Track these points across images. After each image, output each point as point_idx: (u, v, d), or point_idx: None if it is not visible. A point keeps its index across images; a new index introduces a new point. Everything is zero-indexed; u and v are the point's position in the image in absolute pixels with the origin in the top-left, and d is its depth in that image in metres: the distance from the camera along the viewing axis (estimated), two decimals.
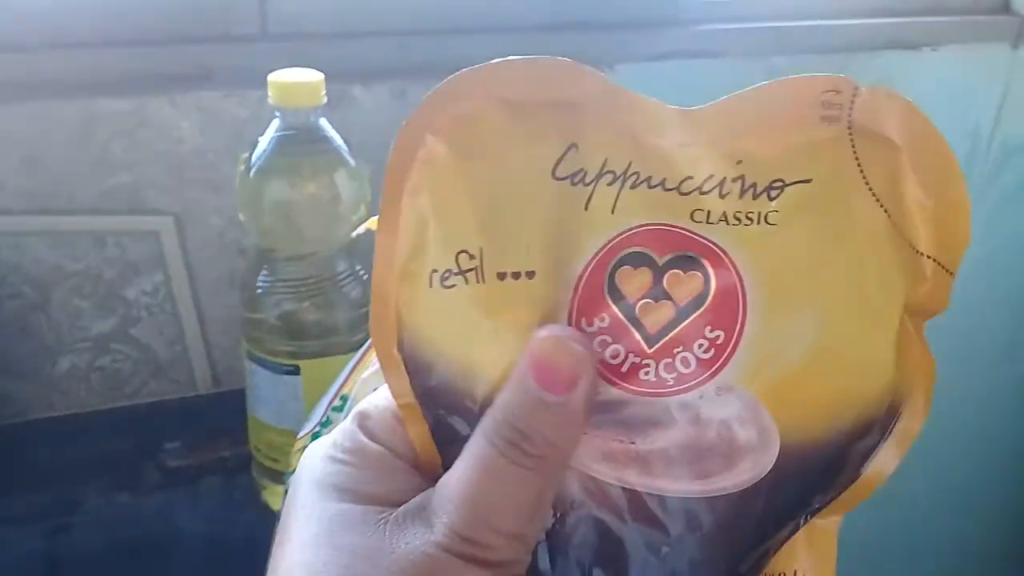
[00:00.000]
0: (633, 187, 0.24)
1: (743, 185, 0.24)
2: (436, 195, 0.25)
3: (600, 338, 0.24)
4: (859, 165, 0.24)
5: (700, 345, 0.24)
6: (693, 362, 0.24)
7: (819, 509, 0.25)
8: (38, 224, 0.66)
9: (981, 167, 0.96)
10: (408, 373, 0.25)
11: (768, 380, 0.24)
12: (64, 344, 0.71)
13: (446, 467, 0.25)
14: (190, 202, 0.69)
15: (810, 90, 0.24)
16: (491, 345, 0.25)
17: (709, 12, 0.83)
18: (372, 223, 0.45)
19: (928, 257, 0.24)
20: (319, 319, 0.59)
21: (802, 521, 0.25)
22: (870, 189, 0.24)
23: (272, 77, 0.55)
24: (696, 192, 0.24)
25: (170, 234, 0.69)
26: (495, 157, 0.25)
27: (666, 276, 0.24)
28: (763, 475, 0.24)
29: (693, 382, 0.24)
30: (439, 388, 0.25)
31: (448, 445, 0.25)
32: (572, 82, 0.25)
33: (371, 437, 0.26)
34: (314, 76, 0.56)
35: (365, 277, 0.60)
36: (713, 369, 0.24)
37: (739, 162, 0.24)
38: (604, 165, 0.25)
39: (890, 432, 0.25)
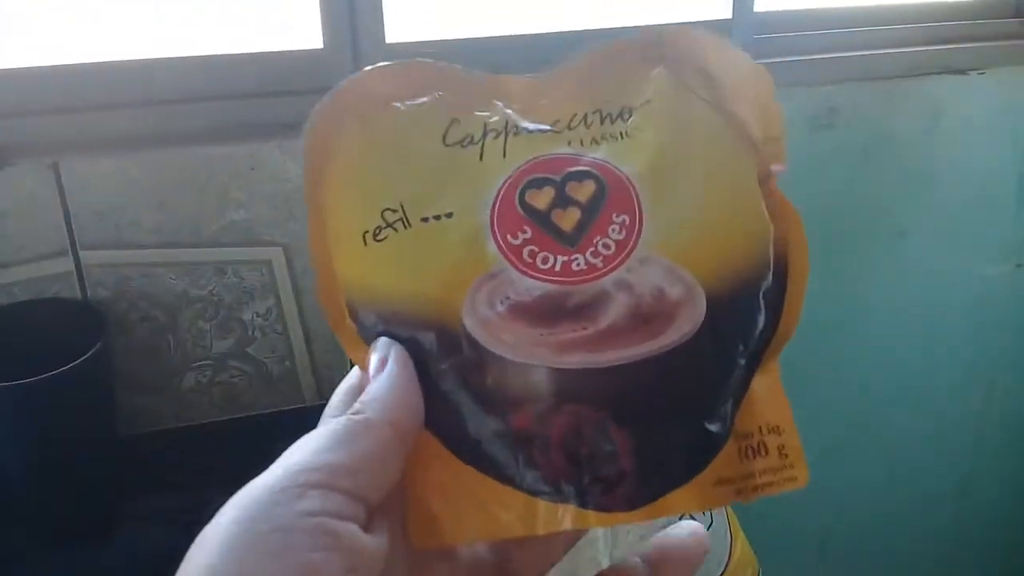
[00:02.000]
0: (515, 135, 0.29)
1: (601, 116, 0.30)
2: (352, 174, 0.29)
3: (528, 248, 0.27)
4: (685, 82, 0.30)
5: (613, 229, 0.27)
6: (612, 245, 0.27)
7: (756, 360, 0.28)
8: (167, 256, 0.75)
9: None
10: (361, 332, 0.28)
11: (675, 244, 0.27)
12: (189, 362, 0.79)
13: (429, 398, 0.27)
14: (296, 234, 0.77)
15: (630, 45, 0.31)
16: (431, 275, 0.27)
17: (766, 46, 0.88)
18: None
19: (759, 137, 0.29)
20: None
21: (748, 372, 0.27)
22: (697, 95, 0.30)
23: None
24: (566, 129, 0.29)
25: (280, 263, 0.77)
26: (394, 137, 0.29)
27: (566, 186, 0.28)
28: (700, 324, 0.26)
29: (618, 260, 0.27)
30: (395, 330, 0.27)
31: (423, 374, 0.27)
32: (438, 77, 0.30)
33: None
34: None
35: None
36: (630, 245, 0.27)
37: (593, 101, 0.30)
38: (485, 128, 0.29)
39: (786, 280, 0.28)
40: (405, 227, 0.28)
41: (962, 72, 0.89)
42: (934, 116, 0.91)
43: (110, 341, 0.72)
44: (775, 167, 0.29)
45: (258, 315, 0.79)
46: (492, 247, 0.27)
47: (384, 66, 0.30)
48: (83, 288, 0.74)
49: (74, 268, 0.73)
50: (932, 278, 1.02)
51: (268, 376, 0.81)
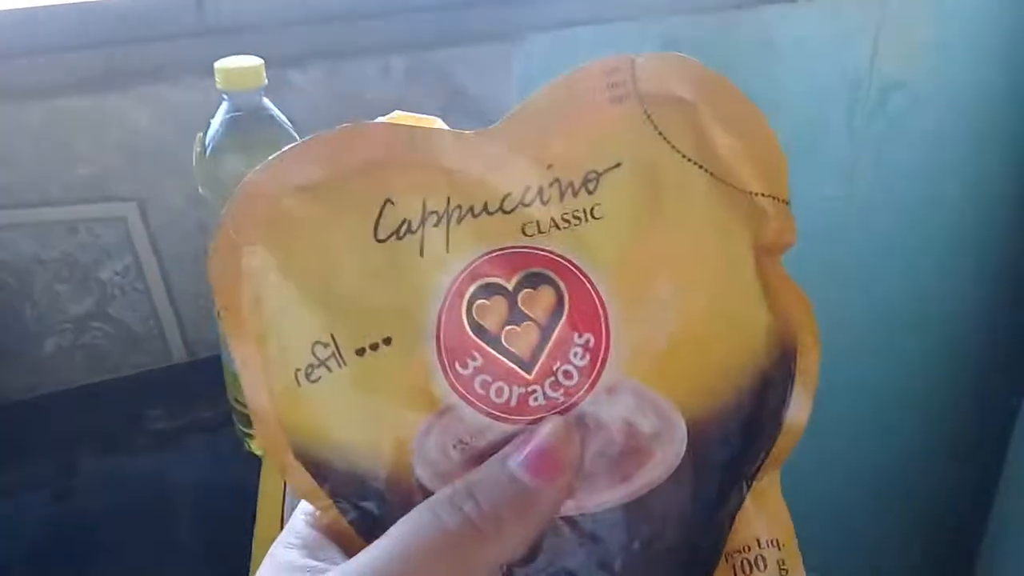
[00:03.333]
0: (459, 221, 0.24)
1: (560, 187, 0.24)
2: (272, 299, 0.25)
3: (480, 378, 0.24)
4: (661, 134, 0.24)
5: (575, 353, 0.24)
6: (575, 372, 0.24)
7: (756, 472, 0.25)
8: (14, 217, 0.72)
9: (863, 107, 1.06)
10: (311, 475, 0.25)
11: (649, 364, 0.24)
12: (48, 327, 0.77)
13: None
14: (151, 188, 0.76)
15: (593, 77, 0.24)
16: (374, 421, 0.24)
17: None
18: None
19: (760, 195, 0.24)
20: None
21: (744, 489, 0.25)
22: (679, 153, 0.24)
23: (218, 64, 0.63)
24: (519, 206, 0.24)
25: (135, 218, 0.76)
26: (314, 243, 0.25)
27: (519, 297, 0.24)
28: (681, 455, 0.24)
29: (581, 391, 0.24)
30: (343, 479, 0.25)
31: (370, 532, 0.24)
32: (363, 143, 0.25)
33: (320, 530, 0.25)
34: (255, 61, 0.63)
35: None
36: (595, 372, 0.24)
37: (549, 166, 0.24)
38: (424, 208, 0.24)
39: (793, 376, 0.25)
40: (339, 365, 0.24)
41: (792, 1, 0.94)
42: (767, 45, 0.96)
43: None
44: (783, 241, 0.25)
45: (116, 273, 0.77)
46: (440, 381, 0.24)
47: (292, 150, 0.25)
48: None
49: None
50: None
51: (132, 336, 0.80)
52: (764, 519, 0.25)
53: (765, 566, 0.25)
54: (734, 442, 0.24)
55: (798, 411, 0.25)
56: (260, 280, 0.25)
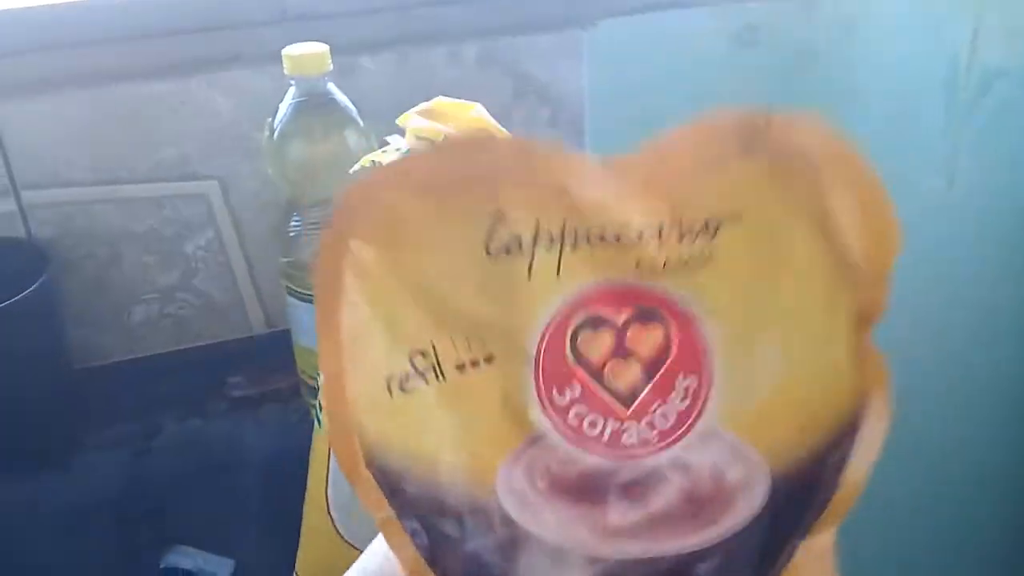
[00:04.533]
0: (573, 247, 0.24)
1: (680, 229, 0.24)
2: (374, 301, 0.24)
3: (575, 410, 0.24)
4: (786, 193, 0.24)
5: (675, 396, 0.24)
6: (672, 416, 0.24)
7: (810, 527, 0.25)
8: (106, 193, 0.77)
9: (962, 96, 1.01)
10: (380, 487, 0.25)
11: (744, 415, 0.24)
12: (136, 296, 0.82)
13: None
14: (230, 167, 0.80)
15: (727, 124, 0.24)
16: (464, 439, 0.24)
17: None
18: (365, 161, 0.54)
19: (863, 267, 0.24)
20: None
21: (798, 543, 0.25)
22: (800, 214, 0.24)
23: (286, 51, 0.66)
24: (636, 241, 0.24)
25: (216, 195, 0.80)
26: (424, 248, 0.24)
27: (627, 334, 0.24)
28: (760, 508, 0.24)
29: (676, 434, 0.24)
30: (418, 495, 0.24)
31: (441, 552, 0.24)
32: (486, 153, 0.24)
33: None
34: (320, 47, 0.66)
35: None
36: (692, 418, 0.24)
37: (672, 206, 0.24)
38: (538, 228, 0.24)
39: (857, 438, 0.25)
40: (438, 378, 0.24)
41: None
42: (851, 30, 0.93)
43: (55, 276, 0.74)
44: (876, 311, 0.25)
45: (200, 247, 0.82)
46: (535, 409, 0.24)
47: (412, 152, 0.26)
48: (27, 227, 0.77)
49: (16, 208, 0.76)
50: None
51: (214, 306, 0.84)
52: (809, 573, 0.25)
53: None
54: (801, 499, 0.25)
55: (857, 472, 0.25)
56: (364, 279, 0.24)
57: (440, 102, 0.50)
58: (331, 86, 0.68)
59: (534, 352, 0.24)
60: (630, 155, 0.24)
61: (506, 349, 0.24)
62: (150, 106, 0.76)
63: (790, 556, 0.25)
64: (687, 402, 0.24)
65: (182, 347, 0.85)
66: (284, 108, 0.67)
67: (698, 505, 0.24)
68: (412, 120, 0.47)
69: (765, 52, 0.90)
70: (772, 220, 0.24)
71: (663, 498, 0.24)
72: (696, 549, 0.24)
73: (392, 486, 0.24)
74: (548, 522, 0.23)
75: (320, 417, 0.59)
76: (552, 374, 0.24)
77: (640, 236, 0.24)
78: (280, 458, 0.76)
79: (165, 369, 0.83)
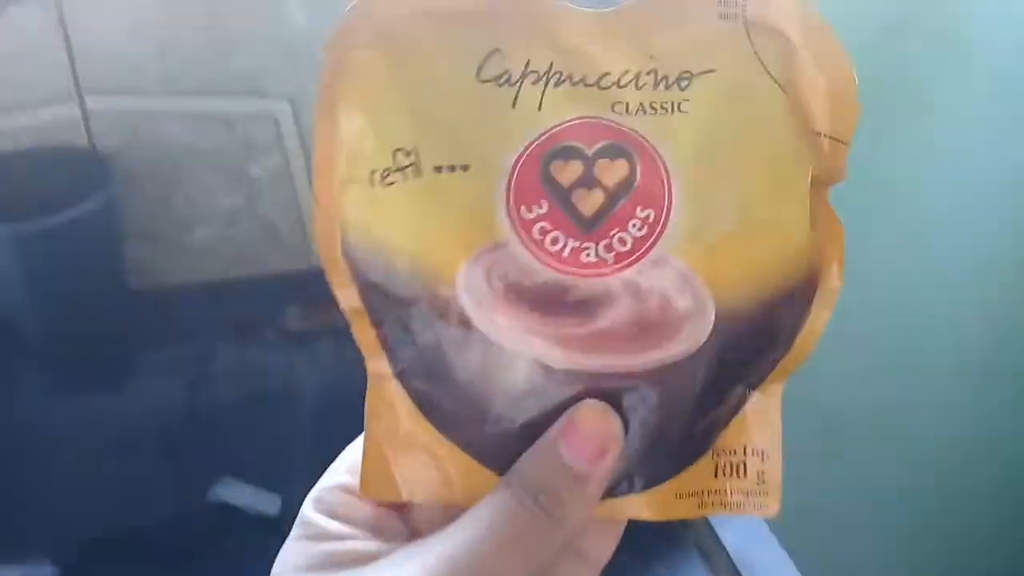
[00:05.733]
0: (556, 84, 0.26)
1: (656, 78, 0.27)
2: (369, 101, 0.27)
3: (539, 224, 0.25)
4: (756, 53, 0.27)
5: (633, 224, 0.25)
6: (629, 241, 0.25)
7: (760, 381, 0.26)
8: (174, 104, 0.74)
9: None
10: (353, 276, 0.26)
11: (697, 251, 0.26)
12: (198, 217, 0.79)
13: (397, 363, 0.26)
14: (305, 87, 0.76)
15: None
16: (433, 234, 0.26)
17: None
18: None
19: (824, 135, 0.27)
20: None
21: (747, 393, 0.26)
22: (768, 73, 0.27)
23: None
24: (614, 86, 0.26)
25: (287, 117, 0.76)
26: (421, 63, 0.26)
27: (596, 165, 0.26)
28: (703, 341, 0.25)
29: (631, 258, 0.25)
30: (383, 284, 0.26)
31: (398, 342, 0.26)
32: None
33: (329, 515, 0.26)
34: None
35: None
36: (647, 244, 0.25)
37: (651, 57, 0.26)
38: (527, 66, 0.26)
39: (813, 298, 0.26)
40: (416, 175, 0.26)
41: None
42: None
43: (117, 191, 0.71)
44: (834, 177, 0.27)
45: (266, 171, 0.78)
46: (502, 215, 0.26)
47: None
48: (89, 136, 0.73)
49: (80, 114, 0.72)
50: (962, 160, 0.99)
51: (276, 234, 0.81)
52: (757, 429, 0.26)
53: (746, 473, 0.26)
54: (751, 343, 0.26)
55: (810, 332, 0.26)
56: (365, 81, 0.27)
57: None
58: None
59: (508, 171, 0.26)
60: (618, 9, 0.27)
61: (483, 163, 0.26)
62: (228, 10, 0.72)
63: (738, 403, 0.26)
64: (643, 231, 0.25)
65: (241, 274, 0.82)
66: None
67: (644, 328, 0.25)
68: None
69: None
70: (742, 78, 0.26)
71: (612, 316, 0.25)
72: (638, 370, 0.25)
73: (362, 274, 0.26)
74: (500, 324, 0.25)
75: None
76: (522, 191, 0.26)
77: (617, 83, 0.26)
78: (333, 394, 0.72)
79: (223, 295, 0.81)
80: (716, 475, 0.26)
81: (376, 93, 0.27)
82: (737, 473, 0.26)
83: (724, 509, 0.26)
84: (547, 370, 0.25)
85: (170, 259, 0.80)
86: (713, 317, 0.25)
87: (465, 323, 0.25)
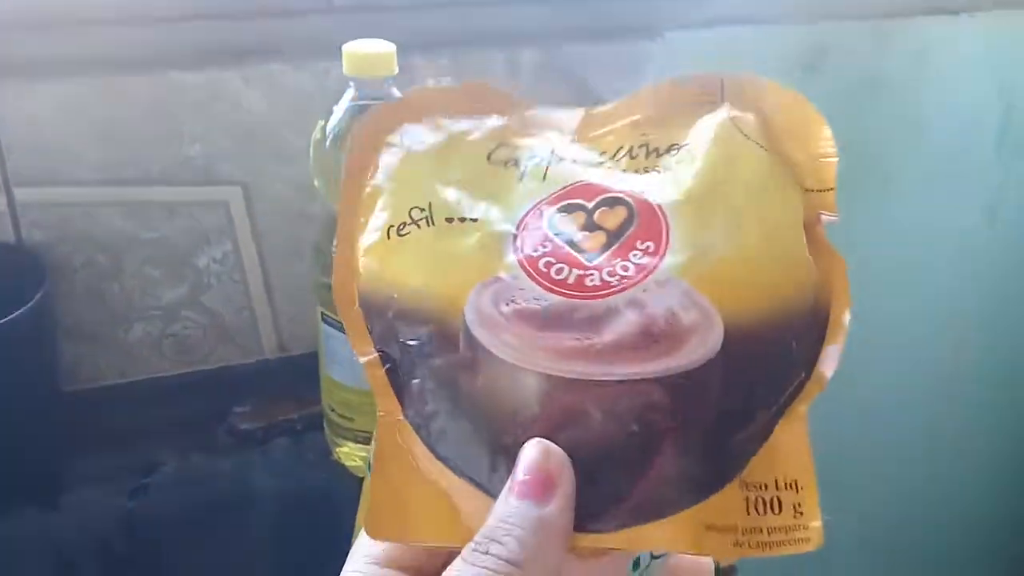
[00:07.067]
0: (558, 163, 0.29)
1: (647, 149, 0.29)
2: (390, 175, 0.30)
3: (545, 259, 0.27)
4: (737, 123, 0.29)
5: (635, 255, 0.27)
6: (631, 267, 0.26)
7: (783, 408, 0.26)
8: (112, 195, 0.68)
9: (1015, 130, 0.98)
10: (366, 322, 0.28)
11: (699, 272, 0.26)
12: (136, 311, 0.73)
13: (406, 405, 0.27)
14: (257, 172, 0.71)
15: (689, 87, 0.31)
16: (444, 269, 0.27)
17: None
18: None
19: (810, 190, 0.28)
20: None
21: (770, 419, 0.26)
22: (756, 143, 0.29)
23: (347, 48, 0.57)
24: (610, 160, 0.30)
25: (239, 203, 0.71)
26: (437, 148, 0.30)
27: (596, 213, 0.28)
28: (713, 354, 0.25)
29: (634, 280, 0.26)
30: (395, 318, 0.27)
31: (409, 368, 0.27)
32: (496, 98, 0.32)
33: None
34: (387, 47, 0.58)
35: None
36: (649, 268, 0.26)
37: (643, 134, 0.30)
38: (531, 154, 0.30)
39: (825, 331, 0.27)
40: (428, 225, 0.28)
41: (953, 13, 0.86)
42: (922, 58, 0.88)
43: (49, 288, 0.65)
44: (825, 216, 0.28)
45: (214, 261, 0.73)
46: (510, 256, 0.27)
47: (435, 86, 0.30)
48: (17, 229, 0.67)
49: (7, 207, 0.66)
50: (913, 228, 1.00)
51: (224, 327, 0.76)
52: (787, 458, 0.26)
53: (780, 509, 0.25)
54: (766, 363, 0.26)
55: (825, 363, 0.26)
56: (394, 155, 0.30)
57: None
58: (395, 91, 0.59)
59: (515, 223, 0.28)
60: (610, 106, 0.31)
61: (492, 217, 0.28)
62: (173, 98, 0.67)
63: (765, 432, 0.26)
64: (645, 258, 0.26)
65: (184, 371, 0.76)
66: (340, 111, 0.59)
67: (652, 339, 0.25)
68: None
69: (831, 79, 0.86)
70: (726, 142, 0.29)
71: (619, 330, 0.25)
72: (650, 377, 0.25)
73: (375, 318, 0.27)
74: (508, 342, 0.25)
75: (372, 463, 0.53)
76: (528, 238, 0.27)
77: (613, 158, 0.30)
78: (290, 500, 0.69)
79: (165, 395, 0.75)
80: (748, 511, 0.25)
81: (397, 169, 0.30)
82: (772, 509, 0.25)
83: (762, 549, 0.25)
84: (556, 383, 0.25)
85: (106, 358, 0.74)
86: (722, 331, 0.25)
87: (473, 345, 0.26)
